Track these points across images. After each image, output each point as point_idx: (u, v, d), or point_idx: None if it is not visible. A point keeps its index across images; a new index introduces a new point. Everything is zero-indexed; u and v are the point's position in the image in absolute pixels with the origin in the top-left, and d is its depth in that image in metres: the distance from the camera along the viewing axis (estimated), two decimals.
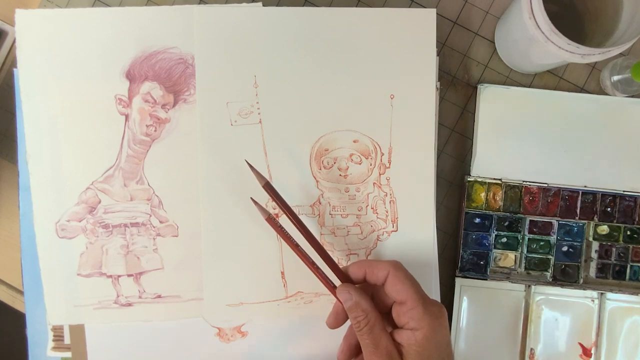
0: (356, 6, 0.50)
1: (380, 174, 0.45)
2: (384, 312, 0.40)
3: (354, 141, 0.45)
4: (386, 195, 0.45)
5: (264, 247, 0.45)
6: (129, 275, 0.46)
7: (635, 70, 0.44)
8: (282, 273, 0.45)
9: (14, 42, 0.51)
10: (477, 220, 0.48)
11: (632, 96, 0.49)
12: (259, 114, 0.44)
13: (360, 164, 0.45)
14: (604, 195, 0.48)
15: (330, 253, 0.42)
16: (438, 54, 0.49)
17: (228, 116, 0.44)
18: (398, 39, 0.45)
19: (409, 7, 0.50)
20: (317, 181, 0.45)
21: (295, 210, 0.43)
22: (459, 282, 0.48)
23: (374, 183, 0.45)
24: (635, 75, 0.43)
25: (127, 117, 0.45)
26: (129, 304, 0.46)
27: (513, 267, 0.49)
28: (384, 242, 0.46)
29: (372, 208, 0.45)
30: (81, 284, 0.45)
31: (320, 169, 0.45)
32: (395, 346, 0.37)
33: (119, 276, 0.46)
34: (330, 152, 0.45)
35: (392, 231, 0.45)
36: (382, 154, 0.45)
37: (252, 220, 0.44)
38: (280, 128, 0.44)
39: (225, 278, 0.45)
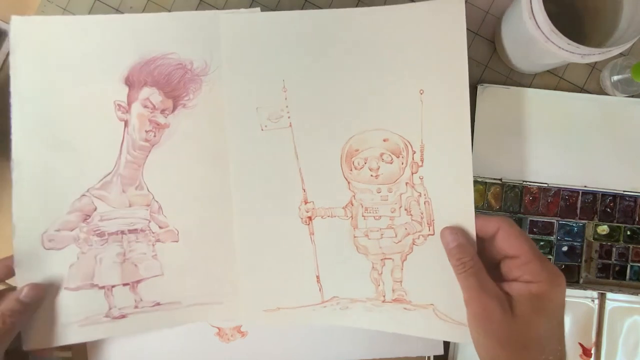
0: (356, 6, 0.50)
1: (412, 173, 0.43)
2: (489, 268, 0.38)
3: (384, 140, 0.44)
4: (420, 195, 0.43)
5: (298, 251, 0.44)
6: (125, 285, 0.44)
7: (635, 70, 0.44)
8: (318, 277, 0.44)
9: None
10: None
11: (632, 96, 0.49)
12: (288, 117, 0.44)
13: (391, 163, 0.44)
14: (604, 195, 0.48)
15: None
16: None
17: (258, 121, 0.44)
18: (425, 33, 0.43)
19: None
20: (348, 182, 0.44)
21: (328, 213, 0.43)
22: None
23: (407, 183, 0.43)
24: (635, 75, 0.44)
25: (126, 122, 0.45)
26: (123, 316, 0.44)
27: None
28: (420, 246, 0.43)
29: (405, 209, 0.43)
30: (67, 298, 0.44)
31: (351, 170, 0.44)
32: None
33: (113, 286, 0.44)
34: (360, 152, 0.44)
35: (429, 235, 0.43)
36: (414, 152, 0.43)
37: (286, 224, 0.44)
38: (310, 131, 0.44)
39: (261, 284, 0.44)
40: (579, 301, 0.48)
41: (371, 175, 0.44)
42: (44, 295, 0.43)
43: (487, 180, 0.48)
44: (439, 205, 0.42)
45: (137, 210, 0.45)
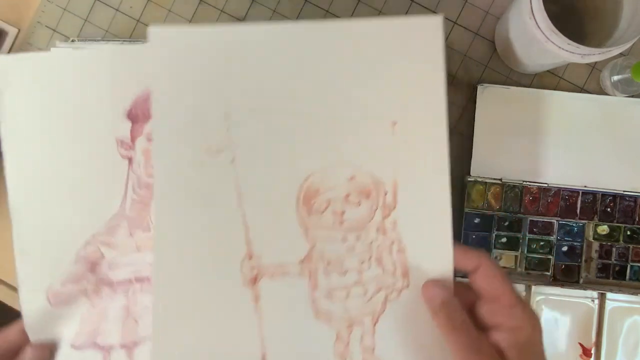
0: (356, 7, 0.50)
1: (384, 217, 0.37)
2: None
3: (350, 178, 0.37)
4: (392, 243, 0.37)
5: (238, 324, 0.35)
6: (122, 347, 0.39)
7: (635, 70, 0.43)
8: (264, 357, 0.36)
9: (14, 42, 0.51)
10: (477, 220, 0.48)
11: (632, 96, 0.49)
12: (231, 151, 0.36)
13: (359, 205, 0.37)
14: (604, 195, 0.48)
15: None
16: None
17: (191, 156, 0.36)
18: (398, 54, 0.37)
19: (409, 6, 0.50)
20: (306, 230, 0.36)
21: (279, 270, 0.36)
22: (458, 282, 0.48)
23: (378, 228, 0.37)
24: (635, 75, 0.43)
25: (130, 160, 0.41)
26: None
27: (513, 267, 0.49)
28: (393, 302, 0.36)
29: (376, 260, 0.37)
30: (72, 357, 0.38)
31: (310, 215, 0.37)
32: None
33: (111, 347, 0.39)
34: (321, 193, 0.37)
35: (403, 288, 0.36)
36: (386, 192, 0.37)
37: (222, 288, 0.35)
38: (259, 167, 0.36)
39: (182, 355, 0.35)
40: (579, 301, 0.48)
41: (335, 221, 0.37)
42: (49, 356, 0.38)
43: (487, 180, 0.48)
44: (415, 252, 0.36)
45: (145, 256, 0.40)
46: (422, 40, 0.36)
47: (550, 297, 0.48)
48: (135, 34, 0.51)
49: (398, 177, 0.37)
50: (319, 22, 0.39)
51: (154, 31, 0.36)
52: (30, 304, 0.38)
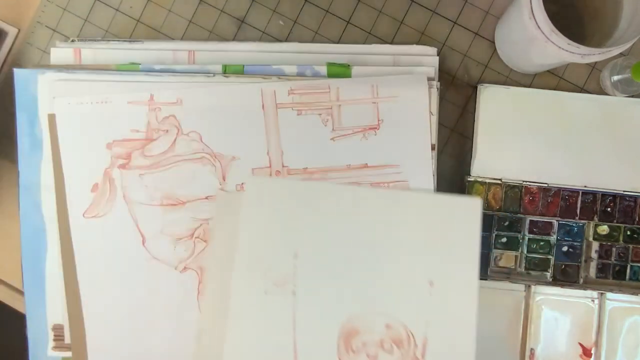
0: (356, 7, 0.50)
1: None
2: None
3: (387, 326, 0.42)
4: None
5: None
6: None
7: (635, 70, 0.43)
8: None
9: (14, 42, 0.51)
10: None
11: (632, 96, 0.49)
12: (294, 284, 0.43)
13: (391, 353, 0.41)
14: (604, 195, 0.48)
15: None
16: (438, 54, 0.49)
17: (263, 284, 0.43)
18: (441, 225, 0.43)
19: (409, 6, 0.50)
20: None
21: None
22: None
23: None
24: (635, 75, 0.43)
25: None
26: None
27: (513, 267, 0.49)
28: None
29: None
30: None
31: (347, 352, 0.42)
32: None
33: None
34: (360, 334, 0.42)
35: None
36: (416, 346, 0.41)
37: None
38: (313, 303, 0.43)
39: None
40: (579, 301, 0.48)
41: None
42: None
43: (487, 180, 0.48)
44: None
45: None
46: (463, 216, 0.43)
47: (550, 297, 0.48)
48: (135, 34, 0.51)
49: (429, 333, 0.42)
50: (378, 189, 0.45)
51: (252, 181, 0.45)
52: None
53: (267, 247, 0.44)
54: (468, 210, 0.43)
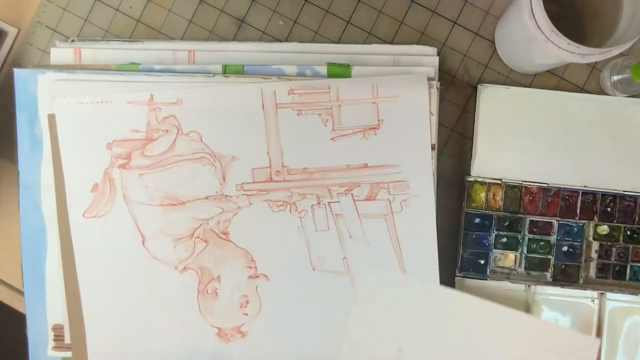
0: (356, 7, 0.50)
1: None
2: None
3: None
4: None
5: None
6: None
7: (635, 70, 0.43)
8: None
9: (14, 42, 0.51)
10: (477, 220, 0.48)
11: (632, 96, 0.49)
12: None
13: None
14: (604, 195, 0.48)
15: None
16: (438, 54, 0.49)
17: None
18: (554, 358, 0.45)
19: (409, 6, 0.50)
20: None
21: None
22: (459, 282, 0.48)
23: None
24: (635, 75, 0.43)
25: None
26: None
27: (513, 267, 0.49)
28: None
29: None
30: None
31: None
32: None
33: None
34: None
35: None
36: None
37: None
38: None
39: None
40: (579, 301, 0.48)
41: None
42: None
43: (487, 180, 0.48)
44: None
45: None
46: (576, 355, 0.45)
47: (550, 297, 0.48)
48: (135, 34, 0.51)
49: None
50: (499, 306, 0.46)
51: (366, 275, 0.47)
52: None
53: (373, 342, 0.46)
54: (581, 352, 0.45)
